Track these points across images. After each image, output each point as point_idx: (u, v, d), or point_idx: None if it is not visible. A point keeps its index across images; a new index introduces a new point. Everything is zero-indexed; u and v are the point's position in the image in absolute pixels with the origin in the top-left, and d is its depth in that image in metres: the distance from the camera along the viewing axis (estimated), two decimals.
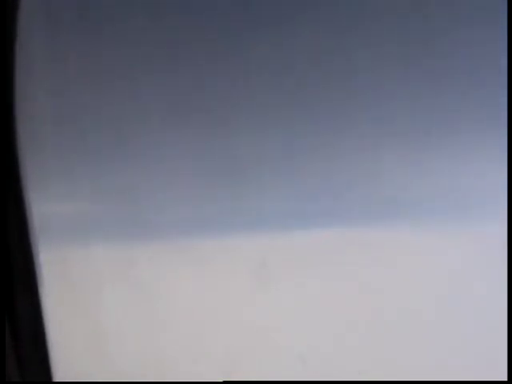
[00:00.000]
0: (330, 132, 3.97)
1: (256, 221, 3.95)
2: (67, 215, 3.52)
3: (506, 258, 3.35)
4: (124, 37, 3.46)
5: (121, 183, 3.75)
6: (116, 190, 3.77)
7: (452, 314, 3.94)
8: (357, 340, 3.89)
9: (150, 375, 3.49)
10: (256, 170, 3.94)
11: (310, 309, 3.93)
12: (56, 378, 2.57)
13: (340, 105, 3.94)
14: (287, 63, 3.80)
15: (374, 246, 4.00)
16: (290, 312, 3.90)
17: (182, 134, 3.78)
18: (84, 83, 3.43)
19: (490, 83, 3.81)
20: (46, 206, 3.06)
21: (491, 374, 3.28)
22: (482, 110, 3.93)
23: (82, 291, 3.35)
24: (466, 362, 3.74)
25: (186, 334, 3.75)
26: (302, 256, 3.99)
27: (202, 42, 3.71)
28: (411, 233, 4.01)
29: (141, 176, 3.77)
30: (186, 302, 3.79)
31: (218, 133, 3.89)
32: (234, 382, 3.51)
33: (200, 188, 3.90)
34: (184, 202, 3.90)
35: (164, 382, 3.51)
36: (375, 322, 3.91)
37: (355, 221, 3.98)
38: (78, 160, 3.49)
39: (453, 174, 4.02)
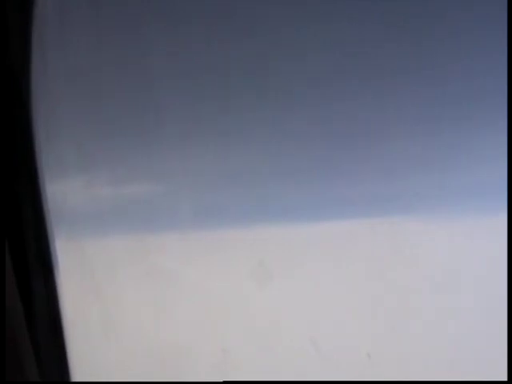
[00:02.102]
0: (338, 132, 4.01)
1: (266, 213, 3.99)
2: (83, 203, 3.53)
3: (506, 257, 3.36)
4: (142, 25, 3.47)
5: (138, 173, 3.76)
6: (132, 179, 3.79)
7: (452, 314, 3.96)
8: (363, 326, 3.92)
9: (164, 361, 3.49)
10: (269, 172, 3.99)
11: (321, 296, 3.96)
12: (72, 366, 2.56)
13: (348, 100, 3.97)
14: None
15: (383, 237, 4.03)
16: (300, 298, 3.92)
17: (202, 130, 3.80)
18: (102, 73, 3.44)
19: (493, 84, 3.86)
20: (62, 194, 3.06)
21: (491, 374, 3.29)
22: (484, 106, 3.98)
23: (97, 279, 3.34)
24: (466, 362, 3.75)
25: (198, 322, 3.76)
26: (312, 246, 4.02)
27: None
28: (418, 225, 4.05)
29: (158, 166, 3.79)
30: (199, 289, 3.80)
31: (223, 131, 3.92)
32: (234, 382, 3.50)
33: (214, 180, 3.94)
34: (196, 195, 3.92)
35: (164, 382, 3.50)
36: (378, 315, 3.94)
37: (366, 212, 4.02)
38: (95, 149, 3.50)
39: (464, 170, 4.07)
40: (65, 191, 3.18)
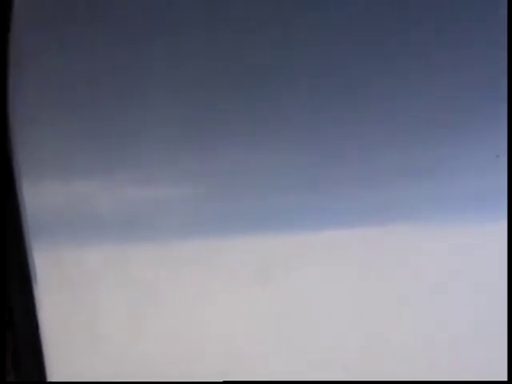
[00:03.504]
0: (333, 132, 3.98)
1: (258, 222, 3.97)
2: (62, 213, 3.51)
3: (505, 259, 3.33)
4: (127, 29, 3.44)
5: (120, 179, 3.73)
6: (113, 187, 3.76)
7: (452, 314, 3.93)
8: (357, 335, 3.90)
9: (144, 375, 3.48)
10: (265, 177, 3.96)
11: (315, 306, 3.95)
12: (51, 378, 2.56)
13: (342, 107, 3.94)
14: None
15: (377, 245, 4.01)
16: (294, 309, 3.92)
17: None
18: (80, 78, 3.41)
19: (492, 83, 3.81)
20: (40, 204, 3.05)
21: (491, 374, 3.25)
22: (483, 109, 3.93)
23: (77, 289, 3.34)
24: (465, 362, 3.72)
25: (182, 334, 3.75)
26: (307, 255, 4.00)
27: None
28: (412, 233, 4.02)
29: (141, 172, 3.76)
30: (184, 302, 3.79)
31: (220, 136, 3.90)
32: (234, 382, 3.49)
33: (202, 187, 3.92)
34: (183, 202, 3.90)
35: (164, 382, 3.50)
36: (376, 320, 3.92)
37: (358, 221, 3.99)
38: (74, 157, 3.47)
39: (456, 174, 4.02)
40: (43, 200, 3.16)
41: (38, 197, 2.93)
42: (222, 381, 3.46)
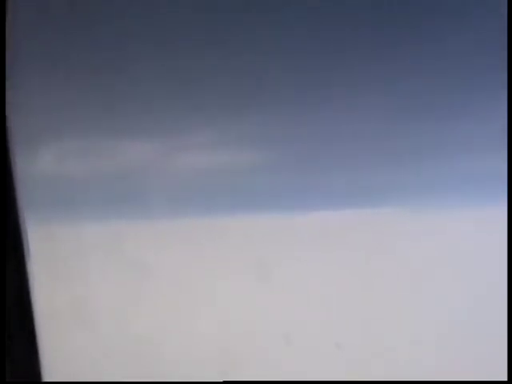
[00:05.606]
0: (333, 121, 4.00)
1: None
2: (55, 188, 3.52)
3: (506, 261, 3.33)
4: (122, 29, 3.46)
5: (115, 159, 3.75)
6: (109, 165, 3.78)
7: (452, 314, 3.93)
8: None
9: (137, 351, 3.49)
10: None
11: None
12: (43, 356, 2.56)
13: (342, 95, 3.96)
14: None
15: (373, 228, 4.01)
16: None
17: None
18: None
19: (493, 77, 3.83)
20: (33, 179, 3.06)
21: (491, 374, 3.25)
22: (484, 94, 3.95)
23: (70, 265, 3.35)
24: (466, 362, 3.72)
25: (175, 312, 3.76)
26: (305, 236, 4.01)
27: None
28: (407, 216, 4.02)
29: (133, 148, 3.77)
30: (176, 279, 3.80)
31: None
32: (234, 382, 3.50)
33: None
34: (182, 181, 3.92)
35: (164, 382, 3.51)
36: (372, 310, 3.92)
37: (355, 203, 4.00)
38: (69, 137, 3.49)
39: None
40: (37, 176, 3.17)
41: (33, 171, 2.95)
42: (222, 381, 3.48)
